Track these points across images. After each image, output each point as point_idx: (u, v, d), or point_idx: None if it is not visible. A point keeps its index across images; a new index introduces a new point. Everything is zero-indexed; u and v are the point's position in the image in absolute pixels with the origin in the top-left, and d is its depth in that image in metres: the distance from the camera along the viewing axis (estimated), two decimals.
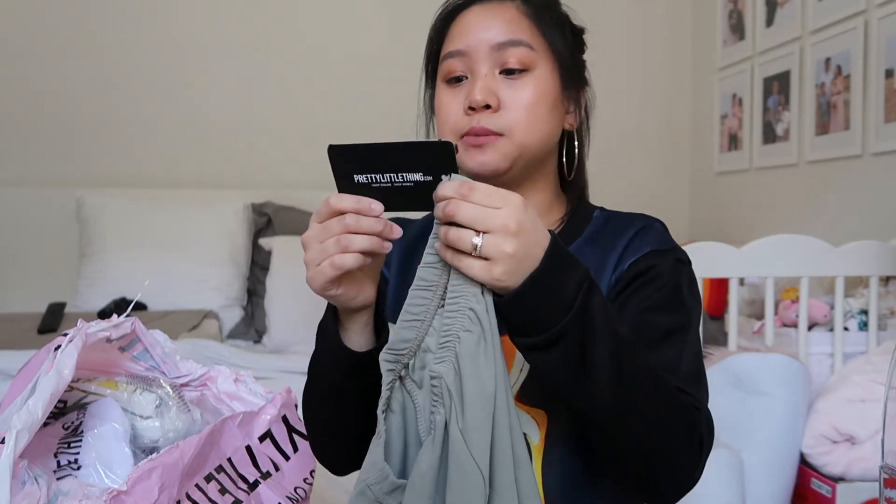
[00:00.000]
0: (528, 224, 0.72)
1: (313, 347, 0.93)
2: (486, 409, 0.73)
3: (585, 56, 1.02)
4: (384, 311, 0.89)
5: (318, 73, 3.44)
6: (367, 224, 0.76)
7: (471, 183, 0.73)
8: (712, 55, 3.45)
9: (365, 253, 0.77)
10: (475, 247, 0.71)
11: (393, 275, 1.00)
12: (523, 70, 0.92)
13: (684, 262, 0.94)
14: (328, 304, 0.86)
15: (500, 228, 0.71)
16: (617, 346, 0.75)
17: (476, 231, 0.71)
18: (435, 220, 0.75)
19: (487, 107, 0.91)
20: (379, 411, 0.78)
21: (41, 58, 3.29)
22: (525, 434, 0.85)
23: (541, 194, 0.98)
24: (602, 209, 1.01)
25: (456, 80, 0.95)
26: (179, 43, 3.37)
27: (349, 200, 0.77)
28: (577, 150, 1.00)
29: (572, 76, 0.97)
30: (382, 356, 0.78)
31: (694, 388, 0.85)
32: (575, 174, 1.01)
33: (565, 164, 1.00)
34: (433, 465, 0.75)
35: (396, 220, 1.05)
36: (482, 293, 0.74)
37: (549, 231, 0.75)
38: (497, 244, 0.71)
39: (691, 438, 0.81)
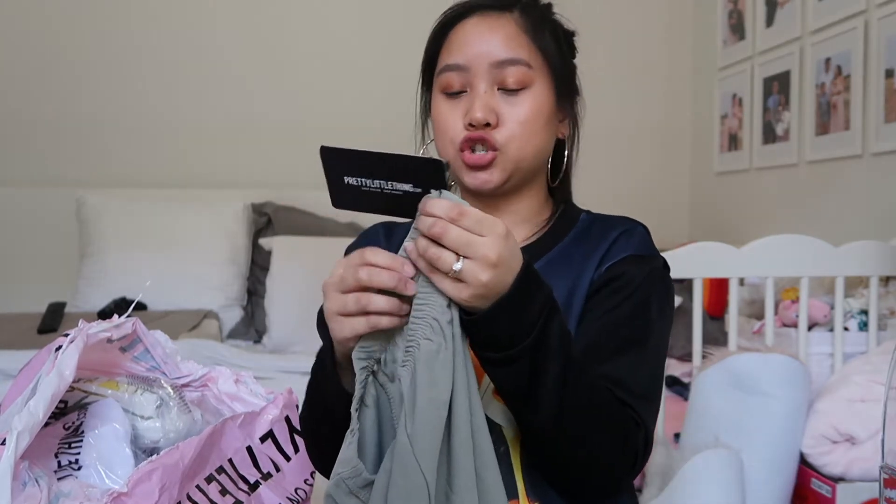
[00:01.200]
0: (506, 255, 0.75)
1: (313, 347, 0.94)
2: (439, 416, 0.74)
3: (579, 59, 1.04)
4: None
5: (318, 74, 3.44)
6: (378, 279, 0.76)
7: (461, 207, 0.75)
8: (712, 55, 3.45)
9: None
10: (454, 270, 0.74)
11: None
12: (521, 87, 0.95)
13: (661, 272, 0.97)
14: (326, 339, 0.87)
15: (481, 258, 0.74)
16: (566, 367, 0.80)
17: (457, 255, 0.74)
18: (413, 226, 0.77)
19: (487, 124, 0.93)
20: (353, 408, 0.79)
21: (41, 58, 3.29)
22: (501, 427, 0.88)
23: (531, 200, 1.02)
24: (588, 212, 1.04)
25: (454, 94, 0.97)
26: (179, 43, 3.37)
27: (384, 257, 0.77)
28: (566, 158, 1.03)
29: (566, 88, 1.00)
30: (355, 354, 0.79)
31: (638, 404, 0.88)
32: (562, 179, 1.04)
33: (549, 170, 1.02)
34: (388, 468, 0.77)
35: (387, 225, 1.08)
36: (448, 306, 0.76)
37: (522, 254, 0.78)
38: (475, 272, 0.74)
39: (625, 451, 0.86)
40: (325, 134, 3.61)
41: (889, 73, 2.36)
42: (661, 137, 3.69)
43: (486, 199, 0.99)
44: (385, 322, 0.77)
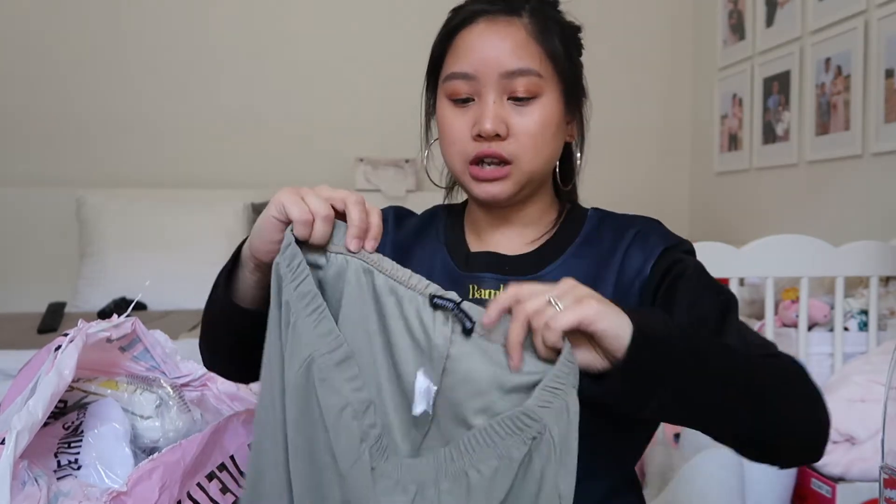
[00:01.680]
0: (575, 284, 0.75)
1: None
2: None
3: (583, 57, 1.02)
4: None
5: (318, 74, 3.44)
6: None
7: (515, 289, 0.73)
8: (712, 55, 3.45)
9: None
10: (553, 302, 0.72)
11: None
12: (531, 97, 0.93)
13: (692, 252, 0.97)
14: (233, 257, 0.90)
15: (568, 288, 0.74)
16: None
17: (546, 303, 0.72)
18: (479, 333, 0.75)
19: (497, 136, 0.92)
20: (311, 289, 0.77)
21: (41, 58, 3.29)
22: None
23: (539, 203, 1.00)
24: (596, 209, 1.03)
25: (462, 101, 0.94)
26: (180, 44, 3.37)
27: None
28: (577, 161, 1.02)
29: (575, 92, 0.98)
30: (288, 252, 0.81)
31: (774, 348, 0.86)
32: (568, 179, 1.02)
33: (558, 172, 1.01)
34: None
35: (399, 210, 1.06)
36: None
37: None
38: (573, 292, 0.73)
39: (806, 387, 0.81)
40: (324, 134, 3.63)
41: (889, 73, 2.36)
42: (661, 137, 3.69)
43: (495, 208, 0.98)
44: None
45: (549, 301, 0.72)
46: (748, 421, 0.78)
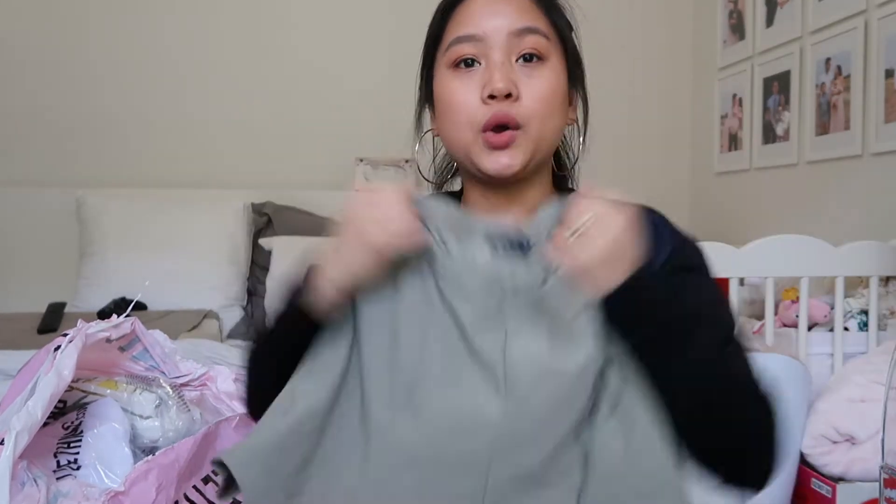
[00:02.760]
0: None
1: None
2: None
3: (583, 57, 1.01)
4: None
5: (318, 74, 3.44)
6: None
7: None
8: (712, 55, 3.45)
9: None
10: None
11: None
12: (540, 59, 0.89)
13: (696, 259, 0.93)
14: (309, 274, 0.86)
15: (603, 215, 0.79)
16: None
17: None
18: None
19: (508, 96, 0.87)
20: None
21: (41, 58, 3.29)
22: None
23: (539, 189, 0.96)
24: None
25: (466, 65, 0.89)
26: (180, 43, 3.37)
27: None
28: (580, 145, 0.99)
29: (576, 71, 0.96)
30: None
31: (758, 384, 0.88)
32: (567, 166, 1.00)
33: (554, 161, 0.98)
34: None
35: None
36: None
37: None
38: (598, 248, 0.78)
39: (771, 425, 0.85)
40: (325, 134, 3.63)
41: (889, 73, 2.36)
42: (661, 137, 3.68)
43: (496, 190, 0.94)
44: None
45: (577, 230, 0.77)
46: (712, 413, 0.80)
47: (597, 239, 0.77)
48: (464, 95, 0.89)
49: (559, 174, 1.00)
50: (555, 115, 0.90)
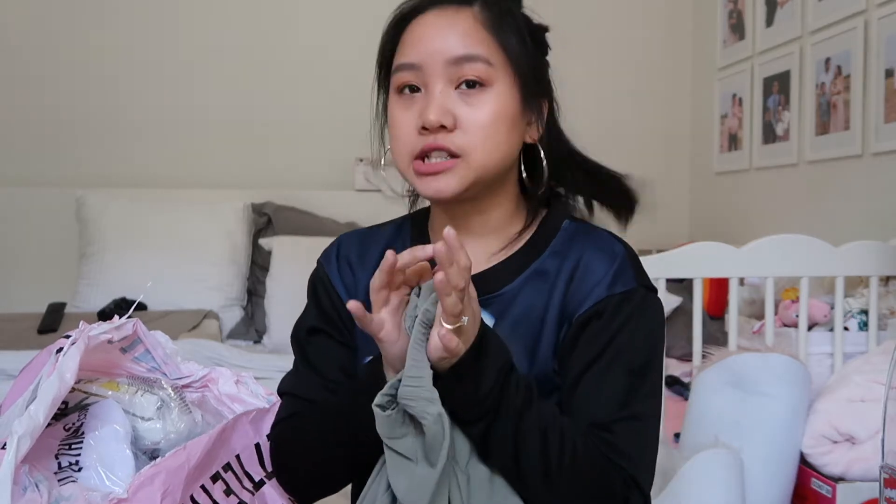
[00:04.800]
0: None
1: None
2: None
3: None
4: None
5: (318, 74, 3.44)
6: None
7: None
8: (712, 55, 3.45)
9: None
10: (462, 322, 0.76)
11: (362, 291, 0.96)
12: (481, 85, 0.87)
13: (641, 306, 0.89)
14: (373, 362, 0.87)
15: (478, 319, 0.79)
16: (525, 430, 0.81)
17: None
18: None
19: (443, 127, 0.86)
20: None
21: (41, 58, 3.29)
22: None
23: (500, 209, 0.94)
24: (571, 218, 0.97)
25: (410, 90, 0.89)
26: (180, 43, 3.37)
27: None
28: (543, 163, 0.94)
29: (533, 87, 0.92)
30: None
31: (637, 469, 0.86)
32: (538, 185, 0.95)
33: (525, 176, 0.95)
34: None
35: (348, 242, 1.02)
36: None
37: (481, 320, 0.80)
38: (470, 332, 0.78)
39: None
40: (324, 134, 3.63)
41: (889, 73, 2.36)
42: (661, 137, 3.68)
43: (451, 208, 0.93)
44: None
45: (463, 318, 0.76)
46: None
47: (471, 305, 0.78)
48: (402, 124, 0.89)
49: (534, 191, 0.95)
50: (499, 141, 0.88)
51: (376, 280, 0.79)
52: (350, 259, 0.99)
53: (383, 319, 0.80)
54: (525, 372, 0.85)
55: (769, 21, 3.00)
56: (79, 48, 3.31)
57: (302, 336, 0.98)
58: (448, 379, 0.78)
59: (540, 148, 0.94)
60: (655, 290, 0.92)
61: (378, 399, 0.79)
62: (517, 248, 0.94)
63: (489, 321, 0.89)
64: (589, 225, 0.97)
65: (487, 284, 0.91)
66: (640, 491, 0.85)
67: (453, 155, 0.87)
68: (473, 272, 0.90)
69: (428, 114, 0.86)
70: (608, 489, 0.83)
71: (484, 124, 0.87)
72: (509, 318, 0.90)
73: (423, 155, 0.88)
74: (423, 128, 0.87)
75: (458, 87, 0.87)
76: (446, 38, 0.87)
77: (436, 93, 0.87)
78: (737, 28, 3.25)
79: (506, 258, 0.93)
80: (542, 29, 0.95)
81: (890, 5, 2.36)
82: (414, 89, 0.89)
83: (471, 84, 0.87)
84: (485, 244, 0.94)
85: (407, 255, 0.79)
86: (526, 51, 0.91)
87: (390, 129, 0.92)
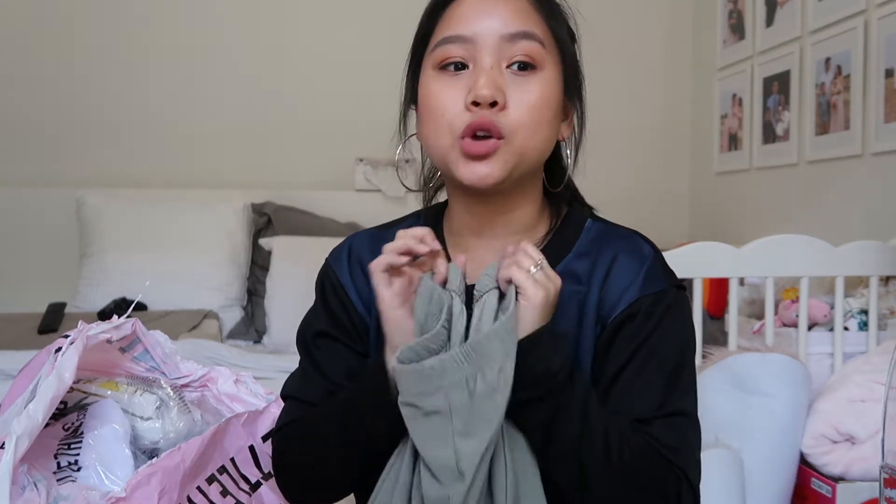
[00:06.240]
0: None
1: None
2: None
3: (582, 56, 0.94)
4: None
5: (318, 74, 3.44)
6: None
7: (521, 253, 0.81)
8: (712, 55, 3.45)
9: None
10: (532, 270, 0.80)
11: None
12: (532, 67, 0.84)
13: (673, 305, 0.88)
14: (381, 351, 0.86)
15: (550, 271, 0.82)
16: (591, 419, 0.80)
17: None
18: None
19: (493, 104, 0.81)
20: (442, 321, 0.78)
21: (41, 58, 3.29)
22: None
23: (529, 207, 0.91)
24: (594, 217, 0.95)
25: (454, 68, 0.84)
26: (180, 44, 3.37)
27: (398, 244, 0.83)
28: (569, 162, 0.92)
29: (573, 81, 0.90)
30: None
31: (687, 465, 0.86)
32: (563, 186, 0.93)
33: (549, 174, 0.93)
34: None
35: (377, 229, 1.00)
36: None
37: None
38: (546, 279, 0.80)
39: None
40: (325, 134, 3.63)
41: (889, 73, 2.36)
42: (661, 137, 3.68)
43: (480, 204, 0.89)
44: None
45: (531, 267, 0.80)
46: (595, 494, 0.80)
47: (548, 279, 0.80)
48: (447, 99, 0.84)
49: (553, 191, 0.93)
50: (543, 127, 0.85)
51: (383, 260, 0.81)
52: (363, 261, 0.93)
53: (394, 295, 0.82)
54: None
55: (769, 21, 3.00)
56: (79, 48, 3.31)
57: (309, 338, 0.95)
58: (519, 352, 0.77)
59: (565, 145, 0.92)
60: (685, 288, 0.91)
61: (403, 354, 0.76)
62: (542, 249, 0.90)
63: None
64: (612, 224, 0.95)
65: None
66: (690, 485, 0.85)
67: (499, 136, 0.82)
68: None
69: (480, 87, 0.81)
70: (662, 483, 0.82)
71: (533, 106, 0.83)
72: None
73: (471, 133, 0.82)
74: (474, 103, 0.82)
75: (509, 66, 0.84)
76: (499, 13, 0.84)
77: (487, 67, 0.83)
78: (737, 28, 3.25)
79: None
80: (569, 17, 0.93)
81: (890, 5, 2.36)
82: (458, 67, 0.84)
83: (522, 66, 0.84)
84: (509, 245, 0.92)
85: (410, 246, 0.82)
86: (570, 43, 0.89)
87: (427, 108, 0.86)
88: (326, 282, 0.96)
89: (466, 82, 0.83)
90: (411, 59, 0.92)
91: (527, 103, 0.83)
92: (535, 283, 0.79)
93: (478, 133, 0.82)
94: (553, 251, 0.90)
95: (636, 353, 0.85)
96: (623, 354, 0.85)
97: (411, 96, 0.92)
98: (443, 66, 0.85)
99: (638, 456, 0.80)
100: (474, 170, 0.83)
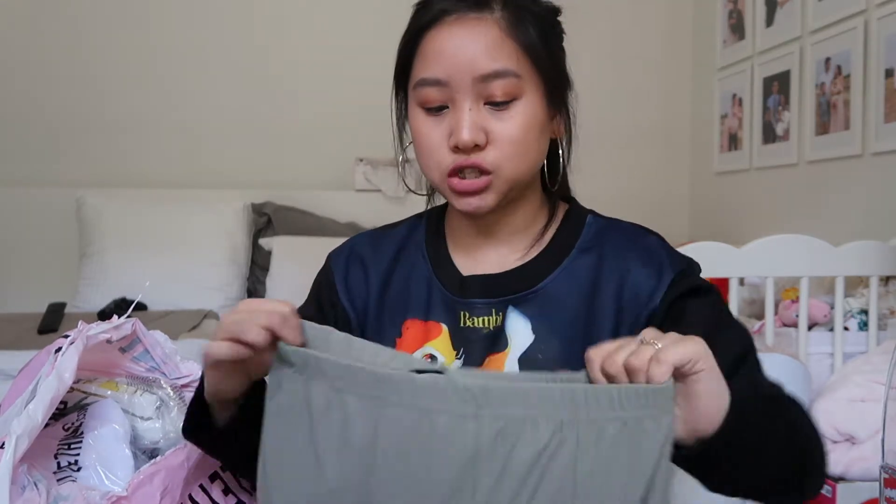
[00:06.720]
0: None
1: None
2: None
3: (576, 56, 0.95)
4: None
5: (318, 74, 3.44)
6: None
7: (600, 347, 0.69)
8: (712, 55, 3.45)
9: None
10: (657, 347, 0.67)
11: (374, 290, 0.96)
12: (510, 100, 0.85)
13: (703, 283, 0.91)
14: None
15: (658, 334, 0.69)
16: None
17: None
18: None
19: (476, 146, 0.84)
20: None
21: (41, 58, 3.29)
22: None
23: (527, 206, 0.93)
24: (594, 214, 0.96)
25: (435, 109, 0.87)
26: (179, 43, 3.37)
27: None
28: (562, 157, 0.94)
29: (557, 85, 0.90)
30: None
31: (780, 390, 0.84)
32: (556, 180, 0.94)
33: (546, 171, 0.93)
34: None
35: (380, 230, 1.01)
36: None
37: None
38: (669, 335, 0.69)
39: (813, 431, 0.81)
40: (325, 134, 3.63)
41: (889, 73, 2.36)
42: (661, 137, 3.68)
43: (478, 218, 0.92)
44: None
45: (643, 341, 0.67)
46: (770, 472, 0.76)
47: (679, 343, 0.67)
48: (432, 140, 0.87)
49: (551, 187, 0.95)
50: (530, 151, 0.87)
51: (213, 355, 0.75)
52: (364, 260, 0.97)
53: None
54: (568, 369, 0.77)
55: (769, 21, 3.00)
56: (79, 48, 3.31)
57: None
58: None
59: (561, 142, 0.93)
60: (697, 264, 0.94)
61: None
62: (545, 246, 0.92)
63: (524, 324, 0.88)
64: (613, 219, 0.96)
65: (519, 283, 0.90)
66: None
67: (486, 172, 0.85)
68: (502, 271, 0.91)
69: (462, 134, 0.84)
70: (811, 419, 0.82)
71: (515, 139, 0.85)
72: (547, 317, 0.88)
73: (456, 171, 0.86)
74: (457, 147, 0.85)
75: (486, 103, 0.85)
76: (471, 52, 0.84)
77: (465, 110, 0.85)
78: (737, 28, 3.25)
79: (535, 256, 0.92)
80: (555, 12, 0.92)
81: (890, 5, 2.36)
82: (440, 108, 0.87)
83: (500, 103, 0.85)
84: (511, 245, 0.93)
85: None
86: (547, 47, 0.88)
87: (417, 144, 0.89)
88: (323, 278, 1.00)
89: (449, 122, 0.86)
90: (395, 83, 0.94)
91: (509, 137, 0.85)
92: (686, 345, 0.67)
93: (463, 172, 0.85)
94: (556, 248, 0.91)
95: (714, 329, 0.82)
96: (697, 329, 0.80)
97: (404, 114, 0.94)
98: (425, 108, 0.88)
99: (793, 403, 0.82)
100: (468, 202, 0.87)
